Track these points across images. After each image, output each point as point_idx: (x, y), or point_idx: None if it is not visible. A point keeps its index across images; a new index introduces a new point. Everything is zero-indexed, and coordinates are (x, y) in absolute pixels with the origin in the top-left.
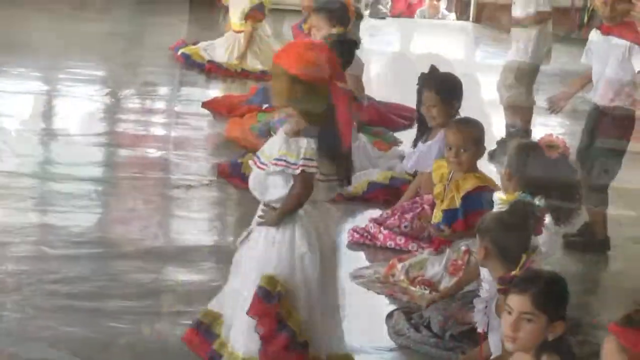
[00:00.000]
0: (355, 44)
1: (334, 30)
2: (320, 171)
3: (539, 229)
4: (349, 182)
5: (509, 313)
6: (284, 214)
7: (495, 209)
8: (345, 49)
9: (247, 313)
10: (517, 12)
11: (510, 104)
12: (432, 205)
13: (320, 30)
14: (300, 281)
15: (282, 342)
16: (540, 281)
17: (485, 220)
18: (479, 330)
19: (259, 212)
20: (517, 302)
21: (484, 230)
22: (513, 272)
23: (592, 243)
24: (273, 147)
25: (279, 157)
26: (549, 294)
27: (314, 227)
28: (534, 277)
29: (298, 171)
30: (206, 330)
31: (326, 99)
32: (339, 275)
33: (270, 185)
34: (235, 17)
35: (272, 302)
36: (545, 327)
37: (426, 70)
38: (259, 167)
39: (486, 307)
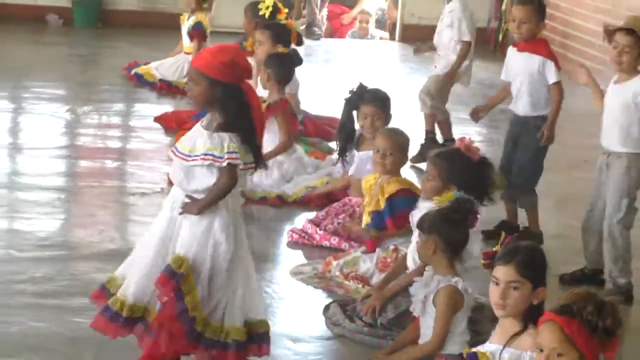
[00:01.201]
0: (294, 62)
1: (275, 48)
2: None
3: (475, 223)
4: (265, 167)
5: (497, 284)
6: (209, 203)
7: (425, 209)
8: (286, 67)
9: (155, 282)
10: (442, 36)
11: (431, 112)
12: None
13: (263, 45)
14: (209, 266)
15: (173, 312)
16: (522, 251)
17: (428, 218)
18: (415, 314)
19: (178, 201)
20: (503, 272)
21: (430, 227)
22: (495, 249)
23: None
24: (193, 141)
25: (205, 152)
26: (531, 262)
27: (233, 217)
28: (515, 249)
29: (225, 164)
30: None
31: (241, 96)
32: (249, 255)
33: (196, 176)
34: (186, 40)
35: (173, 279)
36: (530, 294)
37: (354, 87)
38: (181, 158)
39: (425, 297)
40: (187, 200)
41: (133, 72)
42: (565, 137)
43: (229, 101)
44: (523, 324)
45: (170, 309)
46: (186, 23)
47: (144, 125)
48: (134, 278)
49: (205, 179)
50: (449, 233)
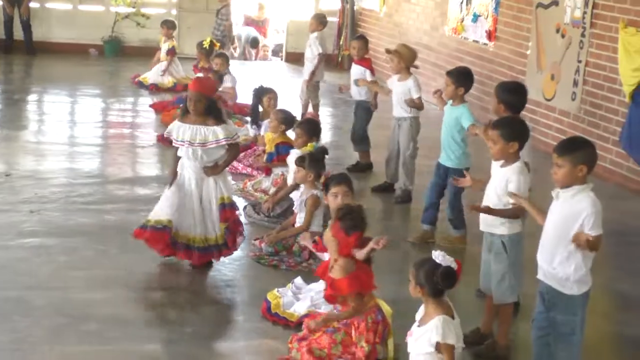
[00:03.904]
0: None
1: (225, 67)
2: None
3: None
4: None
5: (336, 196)
6: (227, 166)
7: (297, 154)
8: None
9: (223, 219)
10: (307, 54)
11: (305, 102)
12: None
13: (217, 66)
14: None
15: (238, 222)
16: (345, 177)
17: (307, 158)
18: (295, 210)
19: (196, 169)
20: (339, 189)
21: (308, 164)
22: (322, 180)
23: (367, 167)
24: (203, 135)
25: (224, 137)
26: (350, 182)
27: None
28: (342, 176)
29: (235, 141)
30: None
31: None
32: None
33: (209, 153)
34: (163, 54)
35: (237, 209)
36: (351, 198)
37: (257, 87)
38: (197, 146)
39: (301, 201)
40: (206, 167)
41: (136, 80)
42: (382, 113)
43: (220, 108)
44: None
45: (238, 222)
46: (164, 45)
47: (143, 109)
48: (187, 220)
49: (215, 155)
50: (316, 166)
